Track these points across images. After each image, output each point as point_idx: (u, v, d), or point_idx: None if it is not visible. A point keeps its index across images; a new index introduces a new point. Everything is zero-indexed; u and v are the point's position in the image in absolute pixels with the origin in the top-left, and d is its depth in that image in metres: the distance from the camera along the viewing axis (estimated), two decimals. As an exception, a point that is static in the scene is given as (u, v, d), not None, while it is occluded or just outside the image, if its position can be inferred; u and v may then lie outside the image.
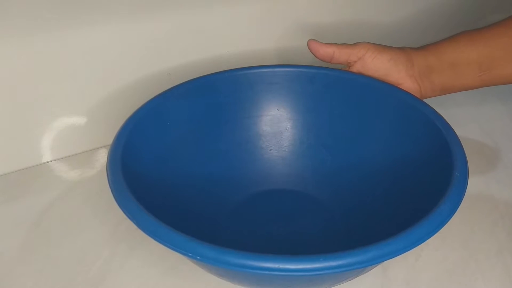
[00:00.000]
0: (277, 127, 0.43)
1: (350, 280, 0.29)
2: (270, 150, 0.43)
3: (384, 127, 0.39)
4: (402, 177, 0.35)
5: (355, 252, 0.23)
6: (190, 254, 0.23)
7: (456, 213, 0.26)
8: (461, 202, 0.27)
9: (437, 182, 0.29)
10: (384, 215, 0.34)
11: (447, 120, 0.34)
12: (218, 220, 0.38)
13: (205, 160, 0.40)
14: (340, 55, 0.40)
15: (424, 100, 0.37)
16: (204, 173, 0.39)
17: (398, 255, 0.23)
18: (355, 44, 0.40)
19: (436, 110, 0.35)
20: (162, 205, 0.32)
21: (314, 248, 0.35)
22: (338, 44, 0.40)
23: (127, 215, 0.26)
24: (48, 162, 0.45)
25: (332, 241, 0.36)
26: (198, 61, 0.48)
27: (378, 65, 0.39)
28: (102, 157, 0.46)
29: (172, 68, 0.47)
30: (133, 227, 0.26)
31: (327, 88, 0.41)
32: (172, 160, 0.37)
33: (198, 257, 0.23)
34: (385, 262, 0.24)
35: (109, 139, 0.33)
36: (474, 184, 0.42)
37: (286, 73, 0.42)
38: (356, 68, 0.40)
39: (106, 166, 0.30)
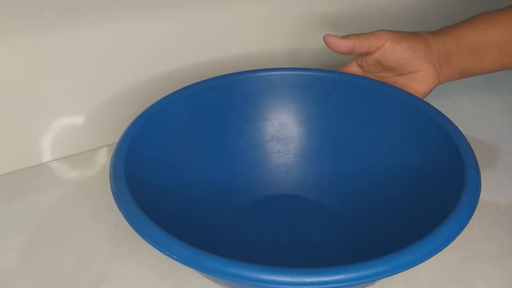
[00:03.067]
0: (295, 131, 0.42)
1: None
2: (287, 154, 0.42)
3: (402, 138, 0.38)
4: (414, 193, 0.34)
5: (333, 271, 0.22)
6: (167, 253, 0.23)
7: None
8: (463, 229, 0.25)
9: (445, 202, 0.28)
10: (392, 230, 0.33)
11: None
12: (226, 223, 0.37)
13: (219, 161, 0.40)
14: (360, 48, 0.39)
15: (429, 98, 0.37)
16: (217, 174, 0.39)
17: (381, 278, 0.22)
18: (373, 34, 0.39)
19: (436, 109, 0.35)
20: (169, 205, 0.32)
21: (316, 258, 0.35)
22: (356, 35, 0.39)
23: (117, 205, 0.26)
24: (48, 162, 0.45)
25: (337, 252, 0.35)
26: (198, 62, 0.48)
27: (397, 55, 0.39)
28: (102, 157, 0.46)
29: (172, 68, 0.47)
30: (133, 227, 0.26)
31: (350, 94, 0.40)
32: (185, 160, 0.37)
33: (174, 257, 0.23)
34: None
35: (109, 139, 0.33)
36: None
37: (309, 77, 0.41)
38: (374, 57, 0.40)
39: (111, 158, 0.30)
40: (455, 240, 0.36)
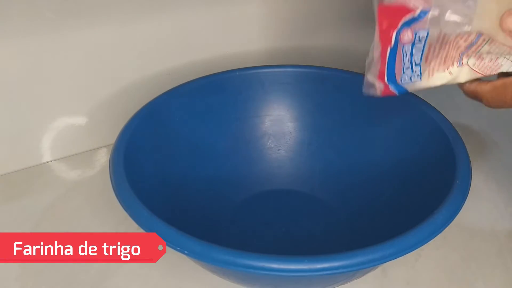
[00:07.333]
0: (286, 127, 0.43)
1: (345, 282, 0.29)
2: (279, 150, 0.43)
3: (391, 130, 0.38)
4: (407, 182, 0.35)
5: (341, 256, 0.23)
6: (178, 248, 0.23)
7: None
8: (459, 211, 0.26)
9: (439, 189, 0.29)
10: (388, 218, 0.34)
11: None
12: (222, 218, 0.38)
13: (213, 158, 0.40)
14: None
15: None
16: (210, 170, 0.39)
17: (386, 261, 0.23)
18: None
19: (424, 100, 0.36)
20: (164, 202, 0.32)
21: (315, 249, 0.35)
22: None
23: (123, 206, 0.26)
24: (48, 162, 0.45)
25: (334, 243, 0.35)
26: (198, 61, 0.48)
27: None
28: (102, 157, 0.46)
29: (172, 68, 0.47)
30: (133, 227, 0.26)
31: (338, 89, 0.41)
32: (179, 157, 0.37)
33: (186, 252, 0.23)
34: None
35: (109, 139, 0.33)
36: (474, 184, 0.42)
37: (298, 73, 0.41)
38: None
39: (110, 157, 0.30)
40: (455, 240, 0.36)
